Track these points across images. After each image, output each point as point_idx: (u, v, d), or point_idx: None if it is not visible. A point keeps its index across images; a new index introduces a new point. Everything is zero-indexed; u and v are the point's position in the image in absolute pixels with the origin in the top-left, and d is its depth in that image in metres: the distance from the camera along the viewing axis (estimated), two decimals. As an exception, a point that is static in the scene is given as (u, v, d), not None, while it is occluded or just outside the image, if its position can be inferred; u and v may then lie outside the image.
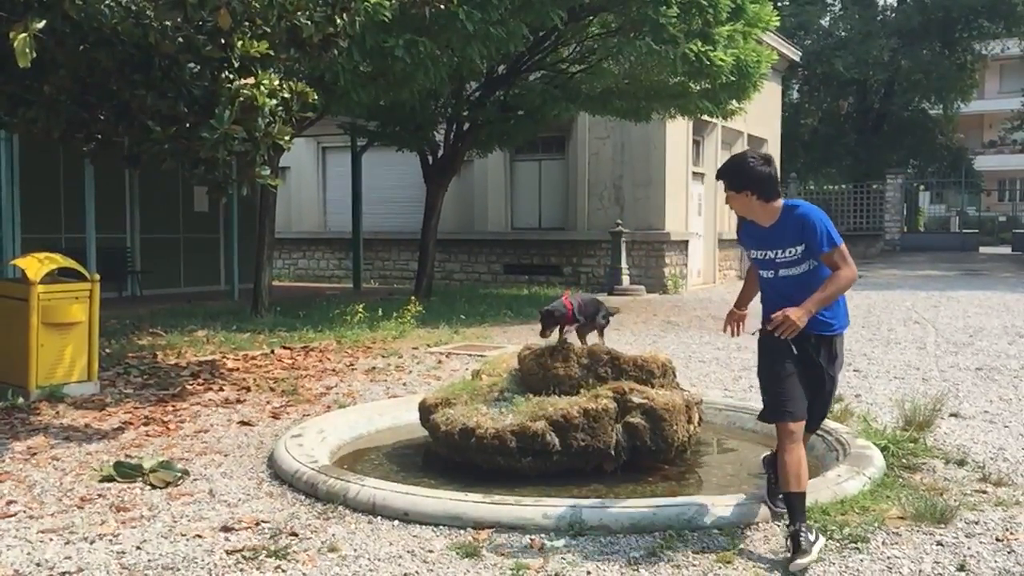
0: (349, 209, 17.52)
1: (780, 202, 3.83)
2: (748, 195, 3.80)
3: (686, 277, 17.97)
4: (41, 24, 4.83)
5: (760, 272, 3.99)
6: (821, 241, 3.76)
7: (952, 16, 30.60)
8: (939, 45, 31.75)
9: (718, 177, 3.91)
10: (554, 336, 5.30)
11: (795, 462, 3.70)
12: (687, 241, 18.15)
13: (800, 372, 3.82)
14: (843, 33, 33.05)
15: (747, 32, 12.78)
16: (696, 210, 18.95)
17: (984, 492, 4.51)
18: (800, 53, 25.16)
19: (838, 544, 3.77)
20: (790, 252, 3.81)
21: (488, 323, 11.52)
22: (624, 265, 16.78)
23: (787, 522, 3.71)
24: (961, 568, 3.56)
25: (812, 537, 3.61)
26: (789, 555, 3.55)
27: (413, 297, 12.50)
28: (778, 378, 3.81)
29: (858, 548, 3.73)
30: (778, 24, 14.39)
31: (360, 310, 10.68)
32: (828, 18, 34.33)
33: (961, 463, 5.03)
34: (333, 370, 8.16)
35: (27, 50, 4.67)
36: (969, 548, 3.76)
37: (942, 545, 3.79)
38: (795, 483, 3.68)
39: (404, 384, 7.56)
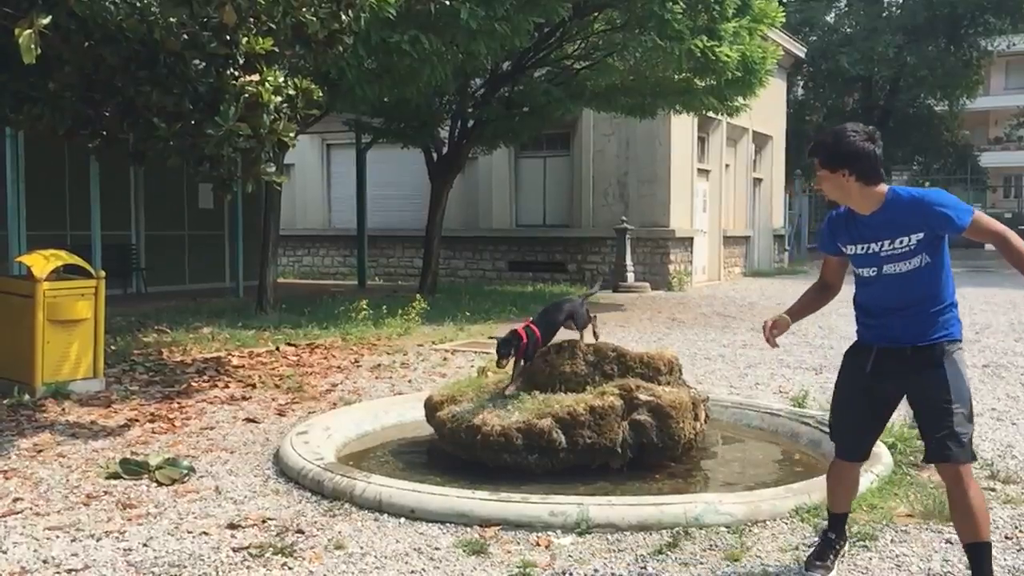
0: (353, 206, 17.52)
1: (884, 187, 3.17)
2: (845, 175, 3.15)
3: (691, 274, 17.95)
4: (46, 20, 4.83)
5: (859, 273, 3.31)
6: (958, 216, 3.08)
7: (958, 12, 30.48)
8: (945, 41, 31.63)
9: (810, 153, 3.26)
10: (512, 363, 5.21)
11: (830, 489, 3.55)
12: (692, 238, 18.11)
13: (875, 398, 3.31)
14: (848, 29, 32.95)
15: (753, 28, 12.75)
16: (701, 207, 18.91)
17: (992, 490, 4.49)
18: (805, 49, 25.09)
19: (847, 542, 3.74)
20: (900, 242, 3.13)
21: (493, 320, 11.50)
22: (629, 262, 16.75)
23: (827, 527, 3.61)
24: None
25: (836, 554, 3.48)
26: (811, 555, 3.50)
27: (418, 294, 12.49)
28: (835, 403, 3.47)
29: (867, 546, 3.72)
30: (783, 20, 14.35)
31: (365, 307, 10.67)
32: (833, 14, 34.23)
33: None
34: (338, 367, 8.16)
35: (32, 46, 4.66)
36: (978, 546, 3.73)
37: (951, 543, 3.77)
38: (830, 504, 3.58)
39: (409, 381, 7.55)
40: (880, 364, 3.25)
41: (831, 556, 3.47)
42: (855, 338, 3.42)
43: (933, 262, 3.15)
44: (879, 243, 3.17)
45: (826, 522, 3.60)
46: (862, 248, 3.24)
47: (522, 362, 5.17)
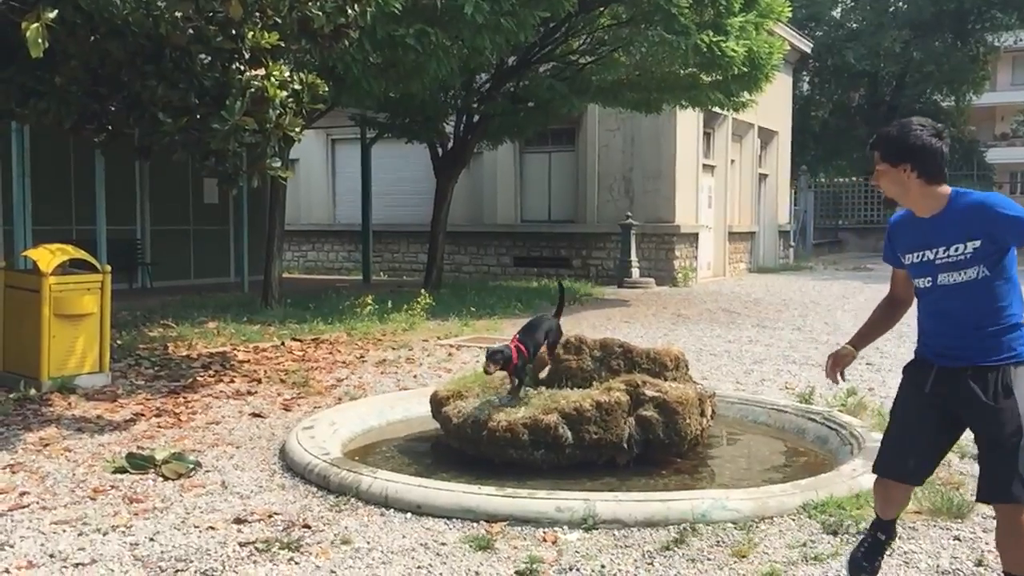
0: (358, 201, 17.53)
1: (947, 188, 2.95)
2: (907, 171, 2.93)
3: (696, 270, 17.91)
4: (53, 14, 4.82)
5: (915, 284, 3.08)
6: (1020, 227, 2.82)
7: (964, 7, 30.39)
8: (951, 37, 31.53)
9: (872, 146, 3.03)
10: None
11: (878, 499, 3.27)
12: (697, 234, 18.08)
13: (938, 417, 3.04)
14: (855, 24, 32.87)
15: (759, 23, 12.70)
16: (706, 202, 18.87)
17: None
18: (811, 45, 25.02)
19: (855, 539, 3.73)
20: (956, 250, 2.90)
21: (498, 315, 11.49)
22: (634, 258, 16.74)
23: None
24: (979, 563, 3.53)
25: (883, 556, 3.30)
26: (858, 555, 3.30)
27: (423, 289, 12.49)
28: (893, 422, 3.17)
29: (874, 543, 3.70)
30: (790, 15, 14.30)
31: (370, 302, 10.67)
32: (840, 9, 34.14)
33: (976, 457, 4.99)
34: (344, 362, 8.16)
35: (39, 40, 4.66)
36: (987, 543, 3.72)
37: (959, 540, 3.76)
38: (878, 510, 3.29)
39: (415, 376, 7.55)
40: (940, 384, 3.00)
41: (879, 559, 3.28)
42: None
43: (992, 275, 2.90)
44: (934, 250, 2.95)
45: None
46: (917, 256, 3.01)
47: (516, 381, 5.06)
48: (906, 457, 3.09)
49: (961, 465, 4.84)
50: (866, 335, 3.33)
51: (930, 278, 2.99)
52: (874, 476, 3.27)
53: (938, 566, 3.51)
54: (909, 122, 2.99)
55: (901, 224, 3.11)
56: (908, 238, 3.06)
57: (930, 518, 3.97)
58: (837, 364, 3.30)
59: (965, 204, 2.92)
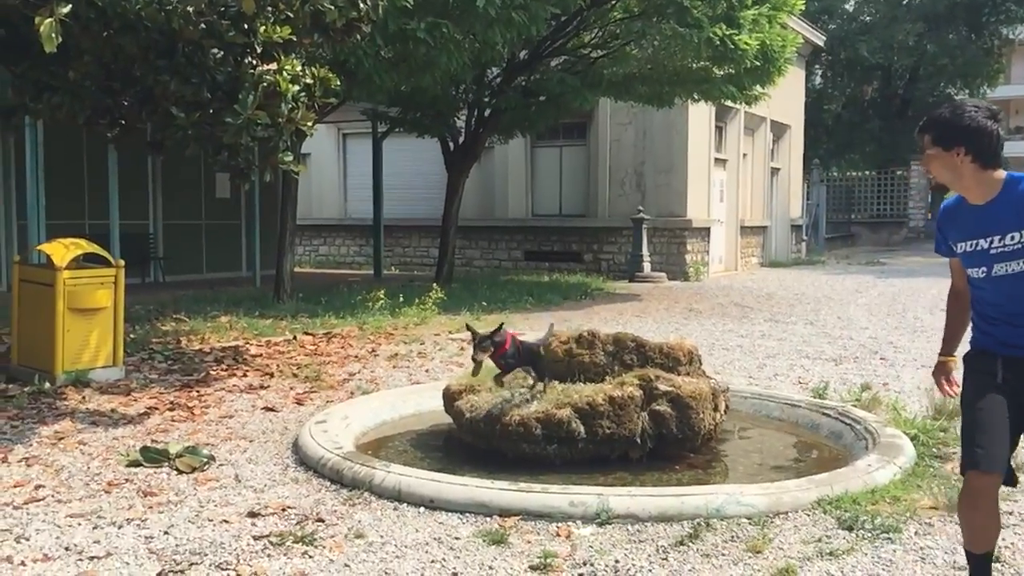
0: (370, 196, 17.53)
1: (1002, 173, 2.83)
2: (959, 155, 2.80)
3: (707, 264, 17.86)
4: (67, 9, 4.83)
5: (968, 274, 2.97)
6: None
7: (979, 0, 30.16)
8: (965, 29, 31.34)
9: (922, 129, 2.90)
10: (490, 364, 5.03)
11: (968, 521, 2.97)
12: (709, 228, 18.02)
13: (1008, 408, 2.87)
14: (868, 17, 32.70)
15: (772, 16, 12.63)
16: (718, 197, 18.80)
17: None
18: (824, 38, 24.86)
19: (870, 535, 3.71)
20: (1012, 239, 2.79)
21: (509, 310, 11.49)
22: (645, 252, 16.70)
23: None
24: (996, 559, 3.50)
25: None
26: None
27: (434, 284, 12.49)
28: (973, 414, 2.94)
29: (890, 538, 3.68)
30: (803, 8, 14.21)
31: (381, 296, 10.67)
32: (853, 2, 33.94)
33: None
34: (356, 356, 8.17)
35: (53, 35, 4.67)
36: (1003, 539, 3.69)
37: (976, 536, 3.73)
38: (969, 541, 3.03)
39: (427, 371, 7.55)
40: (1008, 372, 2.89)
41: None
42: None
43: None
44: (988, 239, 2.84)
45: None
46: (971, 245, 2.90)
47: (503, 369, 4.98)
48: (995, 444, 2.85)
49: (977, 460, 4.80)
50: (952, 338, 3.22)
51: (984, 268, 2.89)
52: (956, 492, 3.08)
53: (955, 562, 3.48)
54: (963, 103, 2.87)
55: (952, 211, 3.00)
56: (960, 226, 2.94)
57: (947, 513, 3.94)
58: (947, 376, 3.19)
59: (1022, 190, 2.81)
